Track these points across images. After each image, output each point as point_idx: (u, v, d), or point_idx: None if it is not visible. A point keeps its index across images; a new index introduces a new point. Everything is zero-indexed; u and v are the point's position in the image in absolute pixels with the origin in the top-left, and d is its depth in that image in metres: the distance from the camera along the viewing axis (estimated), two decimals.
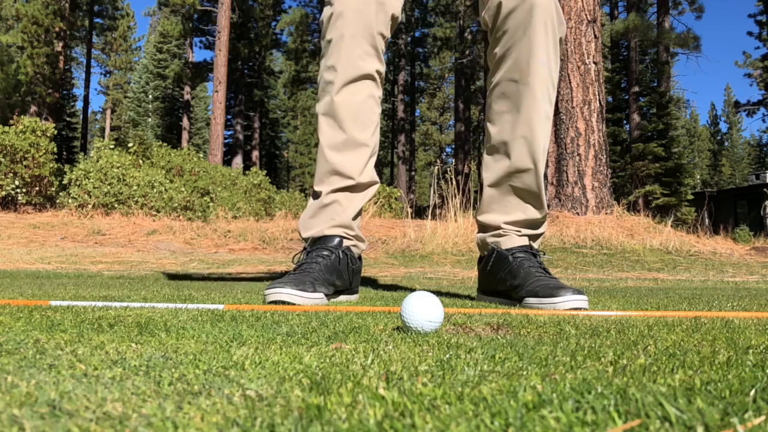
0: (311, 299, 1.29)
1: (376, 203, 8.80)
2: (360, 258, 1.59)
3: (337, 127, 1.50)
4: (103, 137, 26.84)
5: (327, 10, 1.51)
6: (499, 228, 1.49)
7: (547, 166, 6.64)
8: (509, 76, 1.44)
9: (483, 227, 1.54)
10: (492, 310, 1.20)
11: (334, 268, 1.44)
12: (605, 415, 0.40)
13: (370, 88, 1.51)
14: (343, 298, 1.50)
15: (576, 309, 1.25)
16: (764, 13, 28.32)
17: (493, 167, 1.50)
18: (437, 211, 5.97)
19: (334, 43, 1.47)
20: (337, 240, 1.49)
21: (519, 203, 1.49)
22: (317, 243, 1.50)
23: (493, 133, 1.50)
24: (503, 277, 1.43)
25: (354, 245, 1.55)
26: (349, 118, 1.49)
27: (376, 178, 1.58)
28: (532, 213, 1.48)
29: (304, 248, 1.52)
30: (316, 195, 1.54)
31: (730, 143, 54.35)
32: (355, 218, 1.54)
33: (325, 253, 1.45)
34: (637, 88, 19.01)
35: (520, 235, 1.48)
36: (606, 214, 6.17)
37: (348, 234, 1.52)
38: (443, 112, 40.36)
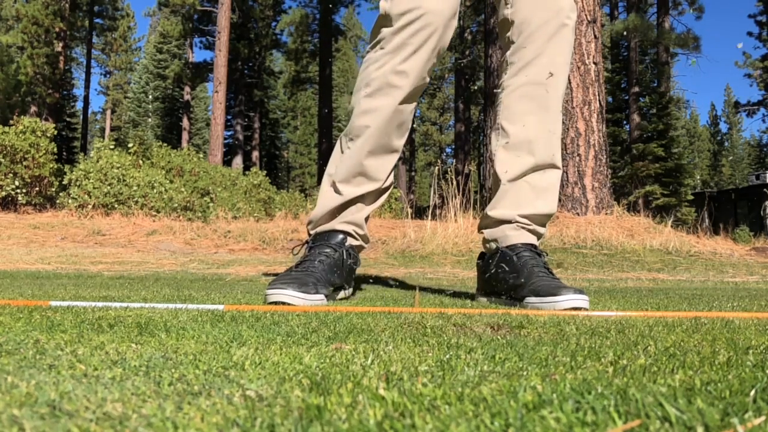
0: (312, 301, 1.29)
1: None
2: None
3: (385, 132, 1.48)
4: (103, 137, 26.80)
5: (410, 9, 1.41)
6: (512, 221, 1.49)
7: None
8: (538, 79, 1.49)
9: (493, 222, 1.53)
10: (492, 310, 1.20)
11: (337, 267, 1.44)
12: (605, 415, 0.40)
13: (417, 97, 1.55)
14: (339, 294, 1.50)
15: (576, 308, 1.25)
16: (764, 13, 28.32)
17: (513, 163, 1.51)
18: (437, 212, 5.97)
19: (415, 50, 1.43)
20: (341, 237, 1.48)
21: (533, 198, 1.50)
22: (321, 238, 1.49)
23: (513, 131, 1.51)
24: (506, 277, 1.43)
25: (359, 245, 1.55)
26: (397, 125, 1.50)
27: (393, 181, 1.61)
28: (542, 208, 1.50)
29: (306, 241, 1.51)
30: (337, 190, 1.51)
31: (730, 143, 54.36)
32: (366, 219, 1.55)
33: (328, 251, 1.44)
34: (637, 89, 19.01)
35: (529, 229, 1.49)
36: (606, 214, 6.17)
37: (357, 233, 1.52)
38: (443, 112, 40.37)
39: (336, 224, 1.50)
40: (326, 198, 1.52)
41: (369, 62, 1.48)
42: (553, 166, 1.52)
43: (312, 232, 1.53)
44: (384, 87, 1.45)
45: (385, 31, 1.45)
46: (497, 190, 1.53)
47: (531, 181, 1.51)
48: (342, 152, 1.52)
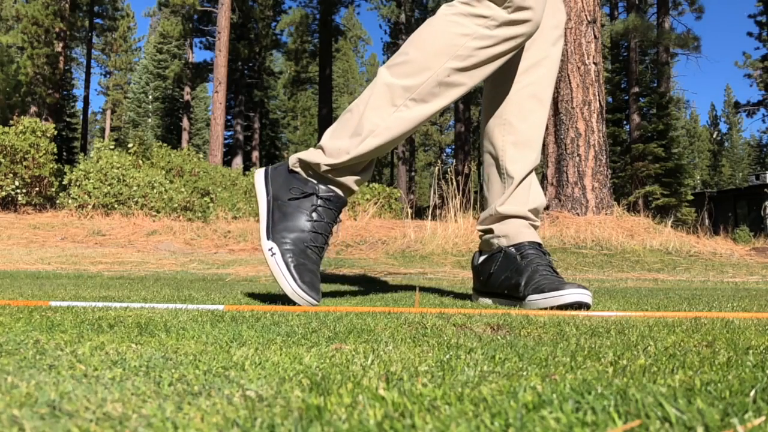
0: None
1: (376, 203, 8.80)
2: None
3: (444, 109, 1.45)
4: (103, 138, 26.88)
5: (530, 7, 1.33)
6: (525, 218, 1.50)
7: (546, 166, 6.64)
8: (544, 81, 1.53)
9: (502, 218, 1.51)
10: (492, 310, 1.20)
11: None
12: (605, 415, 0.40)
13: None
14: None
15: (579, 304, 1.26)
16: (764, 13, 28.34)
17: (521, 160, 1.52)
18: (437, 212, 5.97)
19: (513, 48, 1.37)
20: (343, 201, 1.39)
21: (533, 192, 1.53)
22: (331, 197, 1.36)
23: (523, 128, 1.52)
24: (509, 276, 1.43)
25: None
26: None
27: None
28: (540, 201, 1.54)
29: (314, 193, 1.35)
30: (378, 145, 1.35)
31: (730, 144, 54.37)
32: None
33: (331, 224, 1.36)
34: (637, 89, 19.02)
35: (536, 226, 1.52)
36: (606, 214, 6.17)
37: (352, 196, 1.47)
38: (443, 112, 40.37)
39: (351, 182, 1.39)
40: (368, 146, 1.34)
41: (469, 34, 1.32)
42: None
43: (325, 174, 1.36)
44: (476, 69, 1.35)
45: (497, 11, 1.32)
46: (503, 187, 1.53)
47: (531, 177, 1.54)
48: (395, 105, 1.33)
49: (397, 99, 1.34)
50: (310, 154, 1.37)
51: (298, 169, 1.38)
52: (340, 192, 1.38)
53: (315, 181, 1.37)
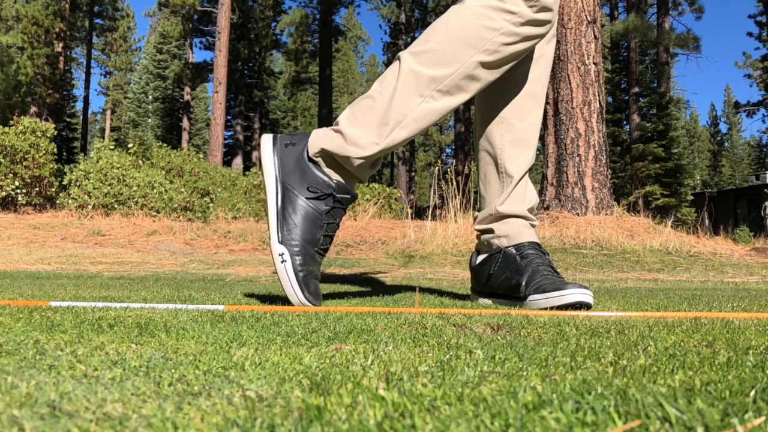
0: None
1: (376, 204, 8.79)
2: None
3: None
4: (103, 138, 26.90)
5: (553, 10, 1.33)
6: (525, 218, 1.50)
7: (546, 166, 6.64)
8: (542, 81, 1.52)
9: (501, 217, 1.51)
10: (492, 310, 1.20)
11: None
12: (605, 415, 0.40)
13: None
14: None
15: (581, 303, 1.26)
16: (764, 13, 28.36)
17: (519, 159, 1.52)
18: (437, 212, 5.97)
19: (528, 48, 1.35)
20: (353, 198, 1.36)
21: (529, 191, 1.53)
22: (345, 197, 1.32)
23: (521, 127, 1.52)
24: (509, 276, 1.43)
25: None
26: None
27: None
28: (535, 200, 1.54)
29: (331, 194, 1.29)
30: (401, 136, 1.30)
31: (730, 144, 54.39)
32: None
33: (335, 227, 1.34)
34: (637, 89, 19.02)
35: (534, 226, 1.51)
36: (606, 214, 6.17)
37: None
38: None
39: (365, 175, 1.35)
40: (395, 138, 1.29)
41: (497, 28, 1.29)
42: None
43: (358, 168, 1.31)
44: (497, 66, 1.32)
45: (523, 8, 1.29)
46: (501, 186, 1.52)
47: (526, 176, 1.54)
48: (422, 95, 1.29)
49: (424, 89, 1.29)
50: (335, 143, 1.29)
51: (319, 160, 1.31)
52: (352, 188, 1.35)
53: (336, 178, 1.31)
